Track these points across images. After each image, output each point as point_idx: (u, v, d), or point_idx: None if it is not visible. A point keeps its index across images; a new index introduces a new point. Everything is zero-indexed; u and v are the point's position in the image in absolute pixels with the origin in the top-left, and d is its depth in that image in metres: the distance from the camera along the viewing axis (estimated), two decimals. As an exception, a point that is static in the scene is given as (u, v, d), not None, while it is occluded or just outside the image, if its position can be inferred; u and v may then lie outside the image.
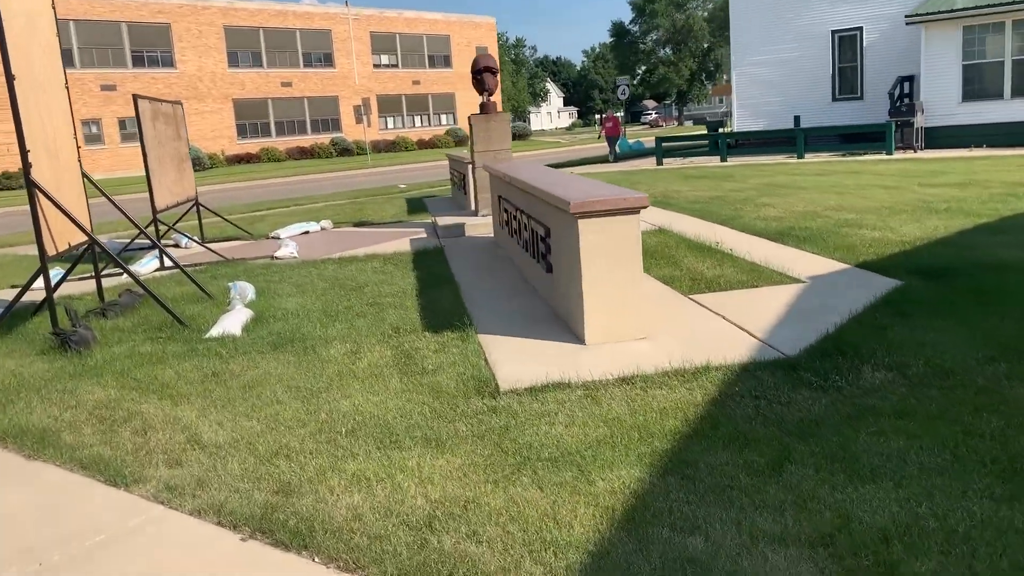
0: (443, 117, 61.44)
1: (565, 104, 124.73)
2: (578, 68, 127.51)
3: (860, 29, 24.12)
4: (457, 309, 6.80)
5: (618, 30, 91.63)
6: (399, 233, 12.11)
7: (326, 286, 8.32)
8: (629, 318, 5.50)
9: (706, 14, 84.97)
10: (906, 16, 21.17)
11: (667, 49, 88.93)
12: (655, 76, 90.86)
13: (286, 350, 5.99)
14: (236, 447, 4.22)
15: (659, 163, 24.02)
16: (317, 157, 50.13)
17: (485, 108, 11.79)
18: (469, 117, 11.78)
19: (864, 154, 21.06)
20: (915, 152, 20.58)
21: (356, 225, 13.76)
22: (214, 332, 6.55)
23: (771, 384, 4.49)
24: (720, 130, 28.73)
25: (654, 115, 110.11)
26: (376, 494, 3.56)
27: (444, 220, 11.81)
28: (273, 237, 12.57)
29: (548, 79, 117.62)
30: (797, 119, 24.82)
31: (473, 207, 12.51)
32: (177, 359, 5.94)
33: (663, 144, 25.32)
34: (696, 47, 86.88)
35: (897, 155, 20.21)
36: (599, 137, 20.74)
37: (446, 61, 61.15)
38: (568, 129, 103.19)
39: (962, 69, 20.66)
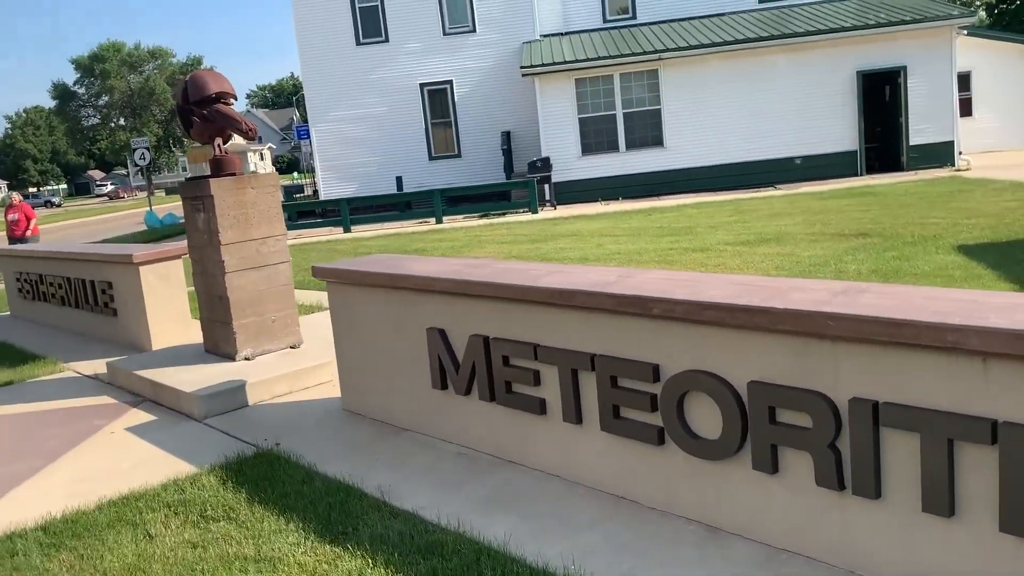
0: None
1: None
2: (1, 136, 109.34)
3: (450, 83, 22.34)
4: None
5: (61, 92, 78.68)
6: (48, 418, 6.00)
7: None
8: None
9: (169, 76, 77.40)
10: (522, 67, 19.85)
11: (123, 115, 79.01)
12: (111, 143, 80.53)
13: None
14: None
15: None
16: None
17: (222, 164, 6.48)
18: (203, 183, 6.37)
19: (505, 215, 19.08)
20: (555, 209, 19.26)
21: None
22: None
23: None
24: (295, 197, 24.61)
25: (110, 186, 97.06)
26: None
27: (163, 378, 6.10)
28: None
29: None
30: (399, 180, 22.06)
31: (208, 345, 6.99)
32: None
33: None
34: (161, 112, 78.51)
35: (543, 214, 18.63)
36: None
37: None
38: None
39: (579, 122, 20.03)
